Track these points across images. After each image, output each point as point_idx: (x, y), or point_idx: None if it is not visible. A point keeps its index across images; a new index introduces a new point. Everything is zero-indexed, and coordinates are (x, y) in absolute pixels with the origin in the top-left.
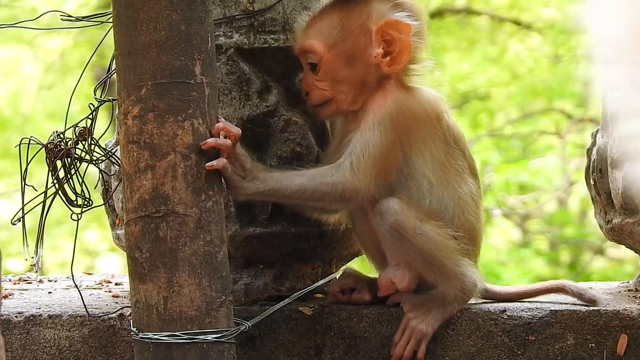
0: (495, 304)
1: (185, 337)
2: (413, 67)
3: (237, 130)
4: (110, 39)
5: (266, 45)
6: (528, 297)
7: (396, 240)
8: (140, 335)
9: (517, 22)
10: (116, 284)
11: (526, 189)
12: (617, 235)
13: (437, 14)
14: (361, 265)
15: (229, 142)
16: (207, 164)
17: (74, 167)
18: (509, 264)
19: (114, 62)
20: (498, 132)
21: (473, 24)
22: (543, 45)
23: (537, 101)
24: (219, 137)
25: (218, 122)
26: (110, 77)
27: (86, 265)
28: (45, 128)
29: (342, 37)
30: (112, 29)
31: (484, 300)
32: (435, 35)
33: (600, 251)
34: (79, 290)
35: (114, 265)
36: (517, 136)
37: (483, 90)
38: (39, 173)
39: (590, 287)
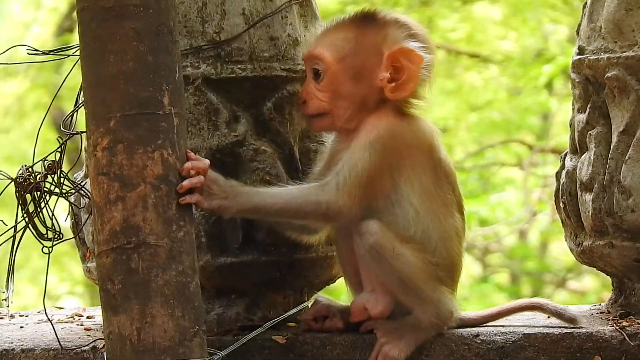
0: (469, 329)
1: None
2: (414, 102)
3: (205, 164)
4: (68, 79)
5: (233, 75)
6: (503, 317)
7: (374, 260)
8: None
9: (474, 55)
10: (88, 317)
11: (486, 222)
12: (588, 258)
13: None
14: (332, 294)
15: (201, 178)
16: (180, 200)
17: (43, 201)
18: (470, 298)
19: (82, 94)
20: (457, 165)
21: None
22: (501, 77)
23: (495, 134)
24: (190, 176)
25: (187, 159)
26: (77, 109)
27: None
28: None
29: (354, 53)
30: (76, 63)
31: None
32: None
33: (561, 284)
34: (51, 324)
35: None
36: (477, 168)
37: (441, 124)
38: (9, 208)
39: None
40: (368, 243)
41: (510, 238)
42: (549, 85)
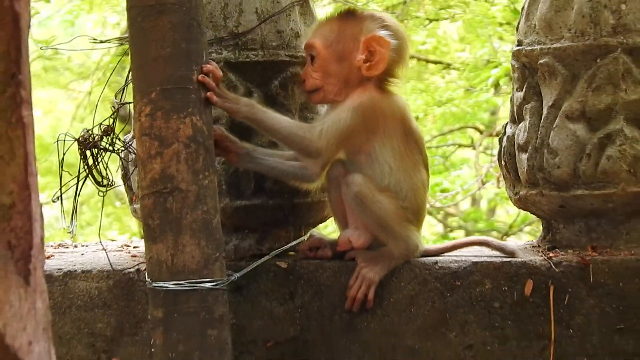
0: (429, 258)
1: (188, 285)
2: (390, 79)
3: (219, 74)
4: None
5: (248, 60)
6: (457, 249)
7: (358, 205)
8: (153, 285)
9: (439, 62)
10: (134, 247)
11: (447, 191)
12: (523, 204)
13: None
14: (323, 231)
15: (213, 84)
16: (207, 94)
17: (100, 156)
18: None
19: (130, 73)
20: (426, 143)
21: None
22: (459, 80)
23: (455, 124)
24: (209, 78)
25: (209, 64)
26: (127, 85)
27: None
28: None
29: (337, 40)
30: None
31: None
32: None
33: (504, 240)
34: (105, 251)
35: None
36: (441, 148)
37: (414, 115)
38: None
39: None
40: (353, 191)
41: (466, 204)
42: (496, 85)
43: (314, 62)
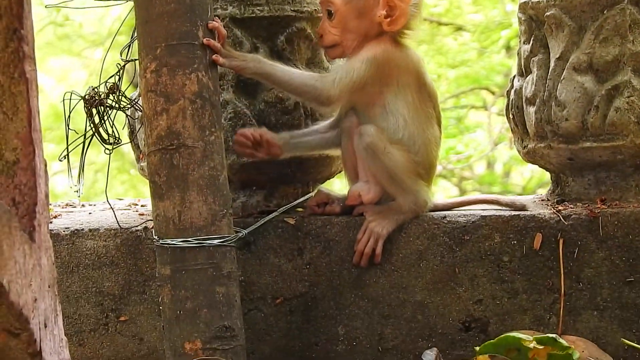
0: (438, 212)
1: (196, 242)
2: (407, 32)
3: (224, 32)
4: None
5: (254, 15)
6: (466, 205)
7: (369, 156)
8: (161, 242)
9: (451, 24)
10: (141, 206)
11: (460, 154)
12: (531, 157)
13: None
14: (332, 187)
15: (218, 45)
16: (213, 57)
17: (106, 114)
18: None
19: (135, 30)
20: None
21: None
22: (471, 42)
23: (468, 86)
24: (215, 39)
25: (213, 20)
26: (133, 42)
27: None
28: None
29: (366, 2)
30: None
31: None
32: None
33: None
34: (112, 209)
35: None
36: (454, 111)
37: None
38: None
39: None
40: (365, 142)
41: (480, 168)
42: (507, 47)
43: (333, 18)
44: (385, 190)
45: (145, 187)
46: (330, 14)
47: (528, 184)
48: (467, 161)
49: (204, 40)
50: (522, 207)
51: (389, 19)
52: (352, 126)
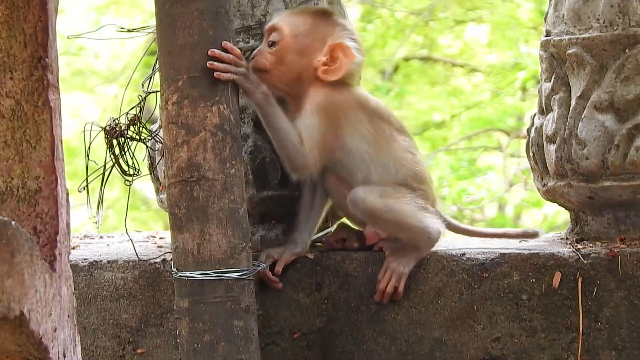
0: (457, 249)
1: (215, 275)
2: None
3: (238, 52)
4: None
5: None
6: (483, 237)
7: (371, 219)
8: (179, 274)
9: (465, 65)
10: (160, 238)
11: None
12: (551, 195)
13: (404, 60)
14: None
15: (231, 56)
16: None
17: (126, 145)
18: None
19: (157, 61)
20: (452, 146)
21: (432, 69)
22: (485, 83)
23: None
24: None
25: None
26: (155, 73)
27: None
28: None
29: (305, 34)
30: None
31: (446, 247)
32: (404, 80)
33: None
34: (131, 240)
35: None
36: (467, 151)
37: (440, 118)
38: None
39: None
40: (360, 210)
41: (491, 211)
42: (524, 89)
43: (274, 46)
44: (397, 237)
45: (157, 224)
46: (273, 43)
47: (540, 227)
48: (479, 203)
49: (209, 51)
50: (535, 234)
51: (325, 67)
52: (334, 185)
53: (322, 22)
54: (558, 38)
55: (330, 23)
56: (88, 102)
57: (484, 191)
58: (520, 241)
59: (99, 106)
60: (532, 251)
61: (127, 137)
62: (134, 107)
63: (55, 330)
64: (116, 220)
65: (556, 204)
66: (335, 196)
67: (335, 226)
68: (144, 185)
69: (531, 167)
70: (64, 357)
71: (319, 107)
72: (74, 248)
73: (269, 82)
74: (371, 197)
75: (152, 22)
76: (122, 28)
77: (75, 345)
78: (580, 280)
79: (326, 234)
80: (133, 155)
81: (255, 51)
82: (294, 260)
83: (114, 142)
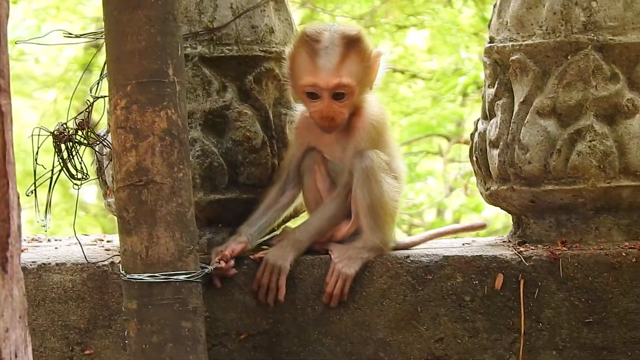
0: (401, 252)
1: (163, 277)
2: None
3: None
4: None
5: (223, 54)
6: (428, 241)
7: (362, 179)
8: (128, 277)
9: (405, 71)
10: (107, 242)
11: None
12: (494, 199)
13: None
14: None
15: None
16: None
17: (74, 150)
18: None
19: (105, 66)
20: None
21: None
22: (426, 89)
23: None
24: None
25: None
26: (102, 78)
27: None
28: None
29: (361, 71)
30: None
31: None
32: None
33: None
34: (79, 243)
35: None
36: (407, 156)
37: None
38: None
39: (473, 240)
40: (365, 164)
41: (430, 216)
42: (464, 94)
43: (344, 99)
44: (360, 221)
45: (96, 230)
46: (341, 96)
47: (479, 232)
48: (418, 208)
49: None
50: (483, 225)
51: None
52: (314, 163)
53: (360, 48)
54: (501, 45)
55: (360, 42)
56: (25, 107)
57: (424, 196)
58: (463, 244)
59: (37, 111)
60: (475, 254)
61: (75, 142)
62: (82, 112)
63: (7, 330)
64: (53, 225)
65: (497, 208)
66: (308, 173)
67: (280, 229)
68: (83, 190)
69: (474, 172)
70: (16, 357)
71: (372, 129)
72: (22, 251)
73: (336, 128)
74: (380, 162)
75: (92, 28)
76: (70, 34)
77: (27, 345)
78: (522, 282)
79: (273, 236)
80: (81, 160)
81: (327, 112)
82: (241, 261)
83: (62, 146)
